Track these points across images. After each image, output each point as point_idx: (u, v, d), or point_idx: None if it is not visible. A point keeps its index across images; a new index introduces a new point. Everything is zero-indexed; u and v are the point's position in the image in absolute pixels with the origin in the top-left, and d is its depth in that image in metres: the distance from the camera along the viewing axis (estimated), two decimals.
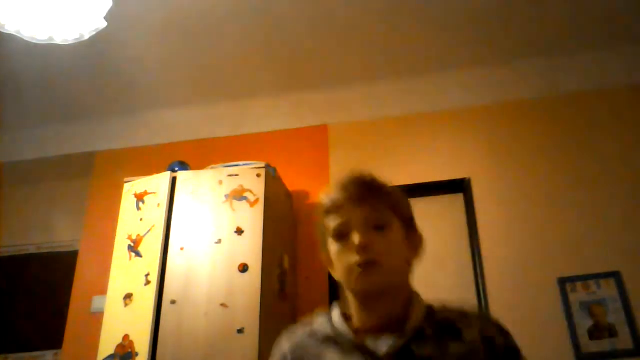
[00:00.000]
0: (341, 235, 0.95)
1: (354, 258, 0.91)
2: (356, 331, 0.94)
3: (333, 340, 0.94)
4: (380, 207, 0.95)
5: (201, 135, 3.39)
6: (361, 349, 0.90)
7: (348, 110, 3.26)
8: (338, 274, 0.97)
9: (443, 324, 0.92)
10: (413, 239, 0.99)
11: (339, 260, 0.95)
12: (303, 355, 0.95)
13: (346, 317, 0.98)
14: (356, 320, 0.96)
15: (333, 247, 0.97)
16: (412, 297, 0.96)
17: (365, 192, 0.96)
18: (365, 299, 0.94)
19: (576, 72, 3.05)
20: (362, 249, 0.91)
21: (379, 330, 0.91)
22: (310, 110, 3.32)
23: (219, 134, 3.37)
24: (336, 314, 0.99)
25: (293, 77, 3.21)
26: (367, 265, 0.90)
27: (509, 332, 0.95)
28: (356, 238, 0.92)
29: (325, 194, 1.01)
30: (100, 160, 3.49)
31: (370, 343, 0.90)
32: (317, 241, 1.03)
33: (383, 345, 0.88)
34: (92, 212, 3.32)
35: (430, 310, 0.95)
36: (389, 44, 2.95)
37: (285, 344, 1.00)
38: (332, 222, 0.96)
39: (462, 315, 0.95)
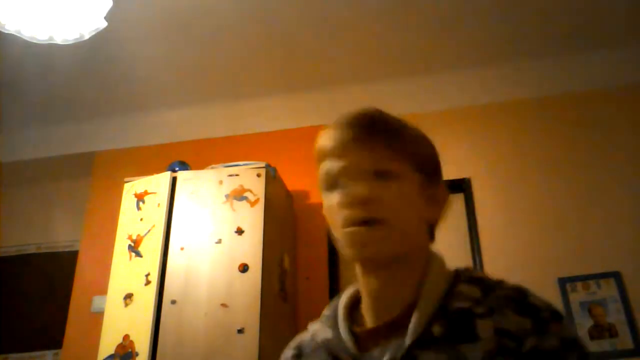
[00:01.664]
0: (334, 185, 0.73)
1: (351, 214, 0.70)
2: (362, 335, 0.73)
3: (329, 347, 0.75)
4: (385, 148, 0.73)
5: (201, 135, 3.39)
6: None
7: (348, 110, 3.25)
8: (335, 237, 0.75)
9: (459, 313, 0.68)
10: (434, 195, 0.76)
11: (332, 218, 0.73)
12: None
13: (353, 309, 0.78)
14: (366, 308, 0.75)
15: (326, 201, 0.75)
16: (428, 270, 0.73)
17: (366, 128, 0.75)
18: (371, 271, 0.74)
19: (577, 72, 3.04)
20: (362, 202, 0.69)
21: (393, 327, 0.70)
22: (310, 110, 3.31)
23: (219, 134, 3.37)
24: (342, 306, 0.78)
25: (293, 77, 3.21)
26: (369, 224, 0.69)
27: (559, 322, 0.65)
28: (353, 188, 0.70)
29: (320, 135, 0.80)
30: (100, 160, 3.49)
31: (376, 353, 0.70)
32: (319, 214, 0.84)
33: (388, 354, 0.68)
34: (92, 212, 3.32)
35: (452, 285, 0.71)
36: (388, 44, 2.95)
37: (288, 351, 0.84)
38: (321, 167, 0.75)
39: (485, 293, 0.69)
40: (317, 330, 0.80)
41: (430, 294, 0.71)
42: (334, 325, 0.77)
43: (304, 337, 0.83)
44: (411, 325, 0.68)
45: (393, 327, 0.70)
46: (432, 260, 0.76)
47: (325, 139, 0.77)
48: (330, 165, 0.74)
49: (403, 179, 0.73)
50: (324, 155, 0.76)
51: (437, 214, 0.78)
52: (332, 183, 0.74)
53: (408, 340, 0.67)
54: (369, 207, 0.70)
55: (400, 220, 0.71)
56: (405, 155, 0.75)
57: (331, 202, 0.74)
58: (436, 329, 0.67)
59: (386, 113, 0.80)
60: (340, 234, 0.72)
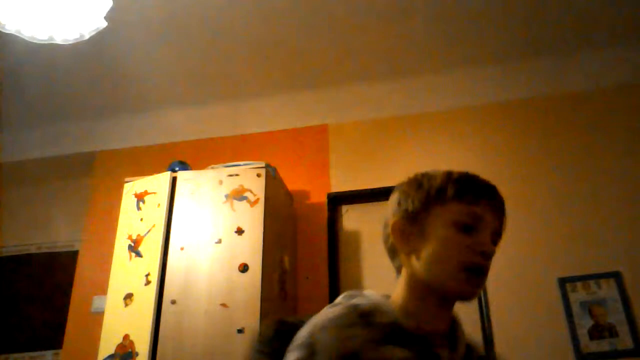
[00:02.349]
0: (466, 228, 0.87)
1: (475, 258, 0.85)
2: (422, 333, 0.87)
3: (392, 332, 0.84)
4: (504, 222, 0.93)
5: (201, 135, 3.40)
6: (431, 352, 0.84)
7: (348, 110, 3.26)
8: (434, 262, 0.87)
9: (471, 348, 0.93)
10: None
11: (452, 252, 0.86)
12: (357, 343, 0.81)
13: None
14: (409, 317, 0.88)
15: (448, 234, 0.87)
16: (454, 316, 0.94)
17: (503, 207, 0.94)
18: (446, 302, 0.88)
19: (576, 72, 3.05)
20: (488, 256, 0.86)
21: (440, 338, 0.87)
22: (310, 110, 3.32)
23: (219, 134, 3.38)
24: (385, 301, 0.89)
25: (293, 77, 3.21)
26: (483, 272, 0.86)
27: None
28: (487, 243, 0.87)
29: (463, 178, 0.92)
30: (100, 160, 3.49)
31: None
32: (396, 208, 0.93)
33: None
34: (92, 212, 3.32)
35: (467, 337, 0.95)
36: (389, 44, 2.95)
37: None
38: (467, 209, 0.88)
39: (488, 355, 1.00)
40: (366, 311, 0.87)
41: (462, 335, 0.91)
42: (385, 313, 0.87)
43: (317, 320, 0.86)
44: (462, 339, 0.89)
45: (440, 338, 0.87)
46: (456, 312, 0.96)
47: (477, 190, 0.91)
48: (475, 214, 0.88)
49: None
50: (468, 200, 0.89)
51: None
52: (467, 226, 0.87)
53: (462, 348, 0.88)
54: (489, 261, 0.87)
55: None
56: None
57: (462, 240, 0.86)
58: (476, 353, 0.93)
59: None
60: (457, 268, 0.85)
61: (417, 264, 0.88)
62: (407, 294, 0.89)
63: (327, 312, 0.86)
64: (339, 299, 0.93)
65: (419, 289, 0.88)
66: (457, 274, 0.85)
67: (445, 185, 0.90)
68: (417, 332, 0.85)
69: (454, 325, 0.90)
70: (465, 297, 0.86)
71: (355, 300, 0.89)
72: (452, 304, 0.89)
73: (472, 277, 0.85)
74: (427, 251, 0.87)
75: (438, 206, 0.89)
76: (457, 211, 0.88)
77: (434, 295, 0.87)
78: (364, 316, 0.84)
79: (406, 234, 0.90)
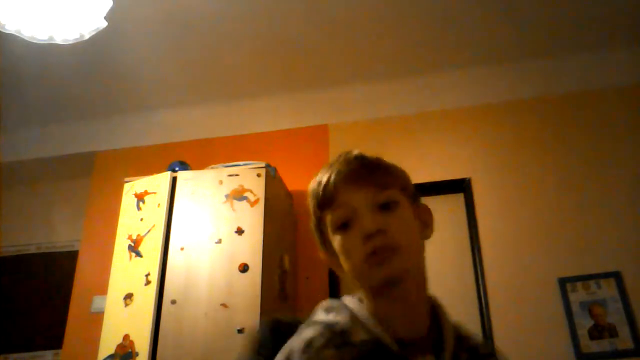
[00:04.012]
0: (345, 226, 0.82)
1: (365, 248, 0.78)
2: (404, 342, 0.79)
3: (370, 351, 0.77)
4: (383, 182, 0.84)
5: (201, 135, 3.40)
6: None
7: (348, 110, 3.26)
8: (349, 271, 0.83)
9: (474, 352, 0.84)
10: (421, 215, 0.88)
11: (347, 254, 0.81)
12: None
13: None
14: (379, 324, 0.81)
15: (337, 241, 0.83)
16: (434, 305, 0.85)
17: (363, 169, 0.85)
18: (385, 295, 0.81)
19: (576, 72, 3.05)
20: (371, 236, 0.78)
21: (423, 343, 0.80)
22: (310, 110, 3.32)
23: (219, 134, 3.38)
24: (367, 315, 0.82)
25: (293, 77, 3.21)
26: (383, 252, 0.78)
27: None
28: (364, 225, 0.79)
29: (313, 182, 0.89)
30: (100, 160, 3.49)
31: None
32: (313, 239, 0.93)
33: None
34: (92, 212, 3.32)
35: (456, 328, 0.85)
36: (389, 44, 2.95)
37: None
38: (331, 214, 0.84)
39: (485, 346, 0.89)
40: (345, 329, 0.81)
41: (449, 328, 0.83)
42: (365, 331, 0.80)
43: (294, 344, 0.82)
44: (446, 346, 0.80)
45: (423, 344, 0.80)
46: (436, 299, 0.87)
47: (324, 186, 0.85)
48: (340, 208, 0.83)
49: (402, 206, 0.83)
50: (326, 202, 0.85)
51: (428, 231, 0.88)
52: (344, 224, 0.82)
53: (447, 357, 0.79)
54: (381, 237, 0.78)
55: (408, 240, 0.81)
56: (397, 185, 0.85)
57: (346, 240, 0.82)
58: (463, 356, 0.81)
59: (363, 153, 0.90)
60: (359, 265, 0.80)
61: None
62: (366, 299, 0.84)
63: (303, 333, 0.82)
64: (318, 313, 0.90)
65: (366, 295, 0.84)
66: (365, 270, 0.79)
67: (313, 194, 0.89)
68: (398, 352, 0.77)
69: (439, 329, 0.83)
70: (386, 280, 0.79)
71: (331, 317, 0.85)
72: (400, 291, 0.80)
73: (374, 259, 0.78)
74: (343, 264, 0.84)
75: (322, 223, 0.88)
76: (328, 218, 0.85)
77: (374, 299, 0.82)
78: (340, 335, 0.79)
79: (332, 260, 0.87)
